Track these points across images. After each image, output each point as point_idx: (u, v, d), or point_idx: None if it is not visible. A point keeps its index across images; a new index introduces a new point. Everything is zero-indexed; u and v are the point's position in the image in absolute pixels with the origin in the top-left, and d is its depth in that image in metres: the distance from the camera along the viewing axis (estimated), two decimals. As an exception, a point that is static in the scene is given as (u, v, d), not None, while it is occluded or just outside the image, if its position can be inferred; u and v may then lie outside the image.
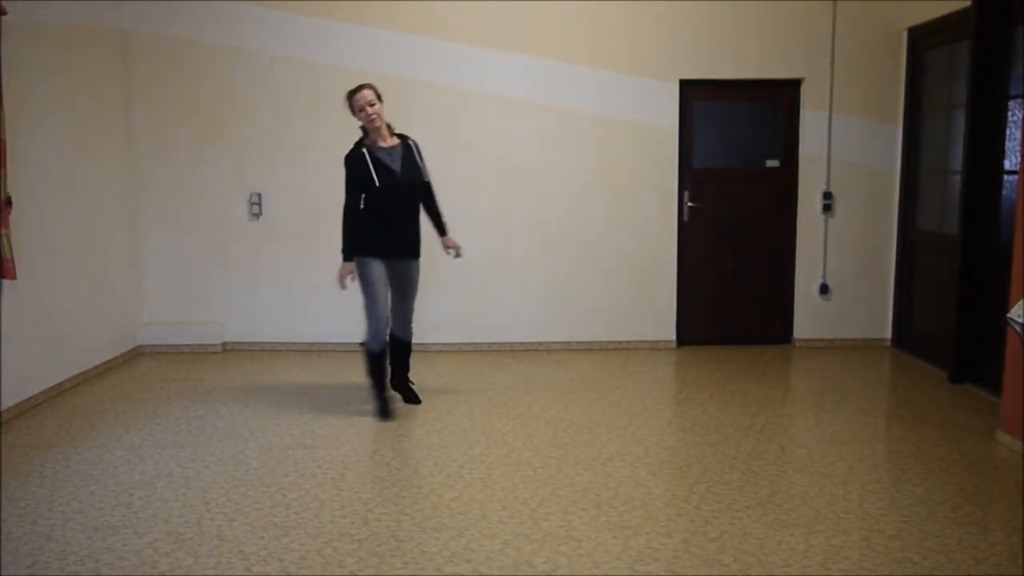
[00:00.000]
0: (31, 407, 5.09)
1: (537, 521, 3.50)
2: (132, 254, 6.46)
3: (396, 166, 4.68)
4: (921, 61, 6.22)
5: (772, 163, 6.58)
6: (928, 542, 3.28)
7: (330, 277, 6.56)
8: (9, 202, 4.74)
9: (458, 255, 5.02)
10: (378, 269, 4.73)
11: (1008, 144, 5.14)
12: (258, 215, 6.50)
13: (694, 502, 3.68)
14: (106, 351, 6.03)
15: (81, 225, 5.71)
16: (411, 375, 5.19)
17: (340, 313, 6.60)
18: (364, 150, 4.66)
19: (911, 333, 6.35)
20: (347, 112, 6.57)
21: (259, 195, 6.49)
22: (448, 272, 6.53)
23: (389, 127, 4.75)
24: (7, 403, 4.85)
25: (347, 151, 4.72)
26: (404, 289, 4.89)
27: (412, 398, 5.14)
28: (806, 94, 6.44)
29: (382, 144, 4.70)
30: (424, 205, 4.91)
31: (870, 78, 6.39)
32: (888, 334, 6.63)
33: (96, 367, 5.86)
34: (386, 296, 4.80)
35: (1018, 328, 4.13)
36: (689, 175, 6.55)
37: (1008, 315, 4.23)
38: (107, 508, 3.64)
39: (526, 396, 5.33)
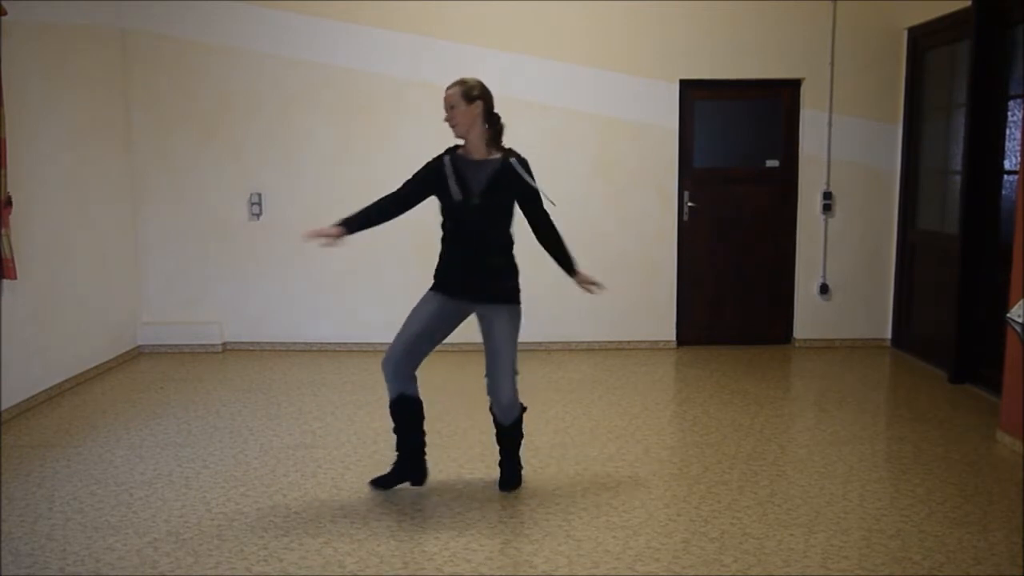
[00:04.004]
0: (31, 407, 5.09)
1: (537, 521, 3.50)
2: (132, 254, 6.46)
3: (473, 186, 3.66)
4: (921, 61, 6.22)
5: (772, 163, 6.58)
6: (928, 542, 3.28)
7: (330, 276, 6.60)
8: (9, 202, 4.74)
9: (594, 288, 3.98)
10: (427, 304, 3.76)
11: (1008, 144, 5.14)
12: (258, 215, 6.50)
13: (694, 502, 3.68)
14: (106, 351, 6.03)
15: (81, 225, 5.71)
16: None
17: (340, 313, 6.61)
18: (447, 157, 3.76)
19: (911, 333, 6.35)
20: (352, 112, 6.57)
21: (259, 195, 6.49)
22: (448, 272, 6.53)
23: (492, 139, 3.74)
24: (7, 403, 4.85)
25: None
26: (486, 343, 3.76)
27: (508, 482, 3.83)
28: (806, 94, 6.44)
29: (473, 156, 3.71)
30: (538, 237, 3.83)
31: (870, 78, 6.39)
32: (888, 334, 6.62)
33: (96, 367, 5.86)
34: (415, 337, 3.72)
35: (1018, 328, 4.13)
36: (689, 175, 6.55)
37: (1008, 315, 4.23)
38: (107, 508, 3.64)
39: (526, 396, 5.29)
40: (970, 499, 3.70)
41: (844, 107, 6.42)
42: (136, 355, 6.45)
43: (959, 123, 5.61)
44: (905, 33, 6.31)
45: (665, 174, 6.46)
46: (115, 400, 5.28)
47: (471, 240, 3.68)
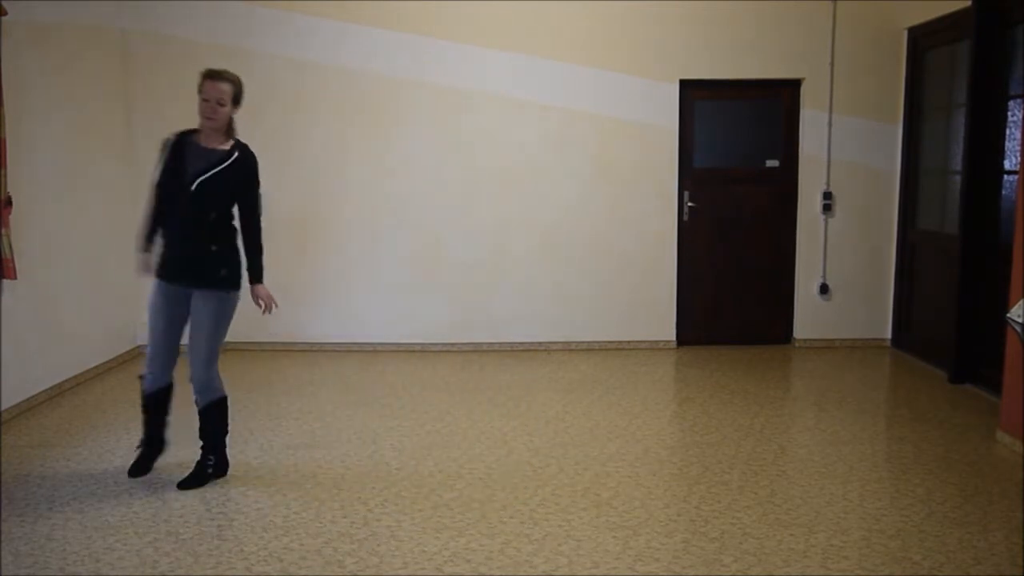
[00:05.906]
0: (31, 407, 5.09)
1: (537, 521, 3.50)
2: (132, 254, 6.44)
3: (194, 171, 3.77)
4: (921, 61, 6.22)
5: (772, 163, 6.58)
6: (928, 542, 3.28)
7: (330, 276, 6.60)
8: (9, 202, 4.74)
9: (267, 311, 4.21)
10: (155, 297, 3.95)
11: (1008, 144, 5.14)
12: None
13: (694, 502, 3.68)
14: (106, 351, 6.03)
15: (81, 225, 5.71)
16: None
17: (340, 313, 6.61)
18: (177, 140, 3.88)
19: (911, 333, 6.35)
20: (352, 112, 6.54)
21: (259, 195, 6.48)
22: (448, 272, 6.53)
23: (228, 130, 3.88)
24: (7, 403, 4.85)
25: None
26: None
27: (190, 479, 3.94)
28: (806, 94, 6.44)
29: (203, 144, 3.84)
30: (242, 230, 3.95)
31: (870, 78, 6.39)
32: (888, 334, 6.62)
33: (96, 367, 5.86)
34: (163, 334, 4.02)
35: (1018, 328, 4.13)
36: (689, 175, 6.55)
37: (1008, 315, 4.23)
38: (107, 508, 3.64)
39: (526, 396, 5.33)
40: (970, 499, 3.70)
41: (844, 107, 6.42)
42: (136, 355, 6.44)
43: (959, 123, 5.61)
44: (905, 33, 6.31)
45: (665, 174, 6.46)
46: (115, 400, 5.28)
47: (187, 225, 3.79)
